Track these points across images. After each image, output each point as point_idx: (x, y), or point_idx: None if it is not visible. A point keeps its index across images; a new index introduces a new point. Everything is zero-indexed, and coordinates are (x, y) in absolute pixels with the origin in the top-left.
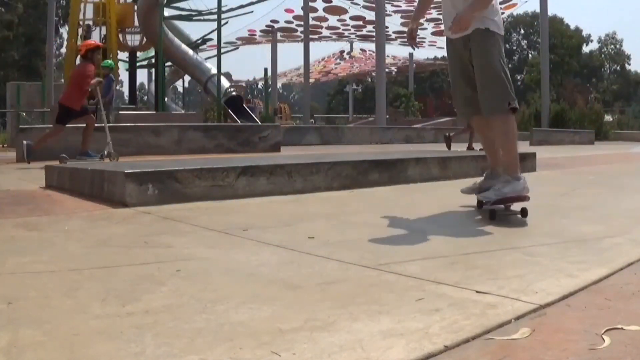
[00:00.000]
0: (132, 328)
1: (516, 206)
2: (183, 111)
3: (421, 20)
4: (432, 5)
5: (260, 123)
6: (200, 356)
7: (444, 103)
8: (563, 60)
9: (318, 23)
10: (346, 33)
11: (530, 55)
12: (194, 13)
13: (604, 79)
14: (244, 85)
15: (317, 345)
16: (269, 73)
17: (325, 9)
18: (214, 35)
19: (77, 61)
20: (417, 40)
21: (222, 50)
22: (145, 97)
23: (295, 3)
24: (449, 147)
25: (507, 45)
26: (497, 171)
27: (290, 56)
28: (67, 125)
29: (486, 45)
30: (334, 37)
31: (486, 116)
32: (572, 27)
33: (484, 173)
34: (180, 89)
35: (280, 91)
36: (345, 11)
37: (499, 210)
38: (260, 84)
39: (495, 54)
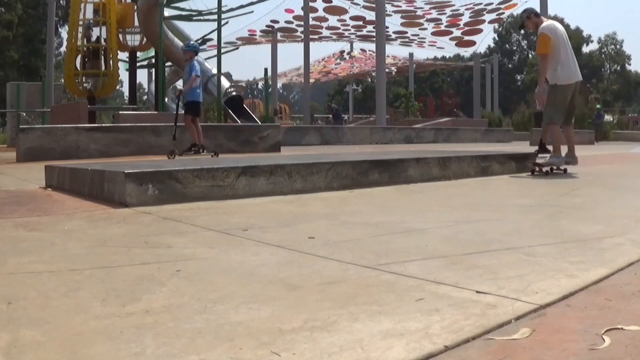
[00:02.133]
0: (132, 328)
1: None
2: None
3: (421, 20)
4: (431, 6)
5: (260, 123)
6: (200, 356)
7: (444, 103)
8: None
9: (318, 23)
10: (346, 33)
11: (530, 55)
12: (194, 13)
13: (604, 79)
14: (244, 85)
15: (317, 345)
16: (269, 73)
17: (325, 9)
18: (214, 35)
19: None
20: (417, 40)
21: (222, 50)
22: (145, 97)
23: (295, 3)
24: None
25: (507, 46)
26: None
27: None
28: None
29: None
30: (334, 37)
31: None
32: (573, 27)
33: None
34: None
35: (280, 91)
36: (345, 11)
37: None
38: (260, 84)
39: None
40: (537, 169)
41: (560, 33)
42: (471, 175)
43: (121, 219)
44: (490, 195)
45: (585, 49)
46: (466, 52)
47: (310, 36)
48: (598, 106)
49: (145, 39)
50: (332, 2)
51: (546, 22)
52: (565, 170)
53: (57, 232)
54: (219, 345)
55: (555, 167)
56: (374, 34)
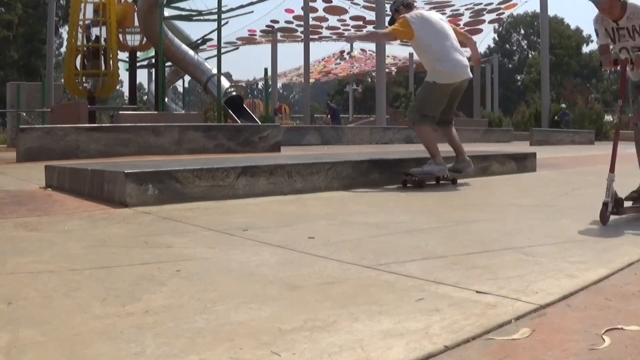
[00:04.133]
0: (132, 328)
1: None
2: (183, 111)
3: None
4: (431, 6)
5: (260, 123)
6: (200, 356)
7: None
8: (563, 60)
9: (318, 23)
10: (346, 33)
11: (530, 55)
12: (194, 13)
13: (604, 79)
14: (244, 85)
15: (317, 345)
16: (269, 73)
17: (325, 9)
18: (214, 35)
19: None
20: None
21: (222, 50)
22: (145, 97)
23: (295, 3)
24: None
25: (507, 46)
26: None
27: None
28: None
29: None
30: (334, 37)
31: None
32: (572, 27)
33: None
34: (180, 89)
35: (280, 91)
36: (345, 11)
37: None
38: (260, 84)
39: None
40: (410, 178)
41: (434, 23)
42: (471, 175)
43: (121, 219)
44: (490, 195)
45: (585, 49)
46: (466, 52)
47: (310, 36)
48: (563, 105)
49: (145, 39)
50: (332, 2)
51: (416, 11)
52: (454, 180)
53: (57, 232)
54: (219, 345)
55: (441, 177)
56: None
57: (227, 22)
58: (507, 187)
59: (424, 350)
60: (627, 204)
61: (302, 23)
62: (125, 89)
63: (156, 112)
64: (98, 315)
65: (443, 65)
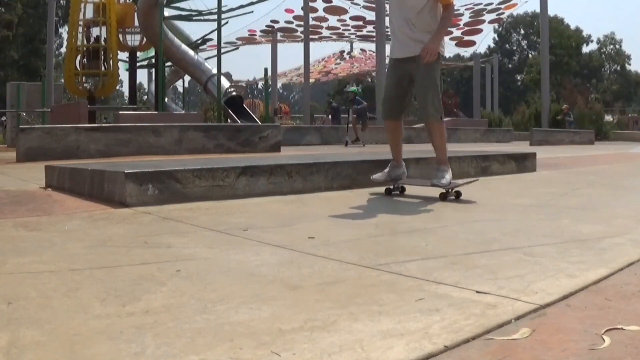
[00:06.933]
0: (132, 328)
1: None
2: (183, 111)
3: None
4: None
5: (260, 123)
6: (200, 356)
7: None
8: (562, 60)
9: (318, 23)
10: (346, 33)
11: (530, 55)
12: (194, 13)
13: (604, 79)
14: (244, 85)
15: (317, 345)
16: (269, 73)
17: (325, 9)
18: (214, 35)
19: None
20: None
21: (222, 50)
22: (145, 97)
23: (295, 3)
24: None
25: (507, 46)
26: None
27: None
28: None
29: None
30: (334, 37)
31: (424, 121)
32: (572, 27)
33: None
34: (180, 89)
35: (280, 91)
36: (345, 11)
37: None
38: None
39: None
40: (445, 194)
41: None
42: (471, 175)
43: (121, 219)
44: (490, 195)
45: (585, 49)
46: (466, 52)
47: (310, 36)
48: (565, 105)
49: (145, 39)
50: (332, 2)
51: None
52: (401, 189)
53: (57, 232)
54: (219, 345)
55: (394, 186)
56: (374, 34)
57: (227, 22)
58: (507, 187)
59: (424, 350)
60: None
61: (302, 23)
62: (125, 89)
63: (156, 112)
64: (98, 315)
65: None
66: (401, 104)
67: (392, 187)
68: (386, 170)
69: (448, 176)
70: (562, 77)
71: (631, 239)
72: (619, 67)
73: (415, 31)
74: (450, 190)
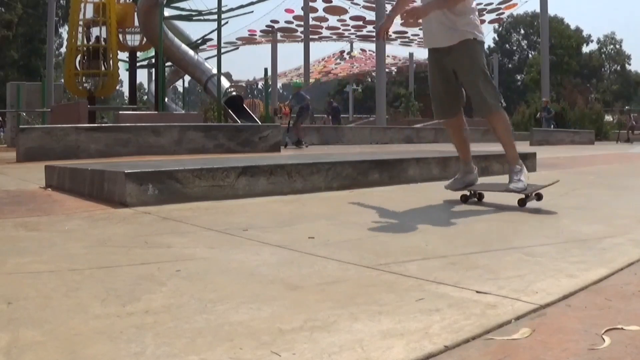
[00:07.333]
0: (132, 328)
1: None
2: (183, 111)
3: (421, 20)
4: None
5: (260, 123)
6: (200, 356)
7: None
8: (563, 60)
9: (318, 23)
10: (346, 33)
11: (530, 55)
12: (194, 13)
13: (604, 79)
14: (244, 85)
15: (317, 345)
16: (269, 73)
17: (325, 9)
18: (214, 35)
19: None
20: (417, 40)
21: (222, 50)
22: (145, 97)
23: (295, 3)
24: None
25: (507, 46)
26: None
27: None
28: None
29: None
30: (334, 37)
31: (484, 116)
32: (572, 27)
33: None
34: (180, 89)
35: (280, 91)
36: (345, 11)
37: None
38: (260, 84)
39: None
40: (524, 200)
41: None
42: None
43: (121, 219)
44: (489, 195)
45: (585, 49)
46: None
47: (310, 36)
48: (544, 99)
49: (145, 39)
50: (332, 2)
51: None
52: (478, 195)
53: (57, 232)
54: (219, 345)
55: (471, 192)
56: (374, 34)
57: (227, 22)
58: None
59: (424, 350)
60: None
61: (302, 23)
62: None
63: (156, 112)
64: (98, 315)
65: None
66: (452, 99)
67: (467, 193)
68: (457, 176)
69: (524, 178)
70: (562, 77)
71: (631, 239)
72: (619, 67)
73: (449, 14)
74: (530, 194)
